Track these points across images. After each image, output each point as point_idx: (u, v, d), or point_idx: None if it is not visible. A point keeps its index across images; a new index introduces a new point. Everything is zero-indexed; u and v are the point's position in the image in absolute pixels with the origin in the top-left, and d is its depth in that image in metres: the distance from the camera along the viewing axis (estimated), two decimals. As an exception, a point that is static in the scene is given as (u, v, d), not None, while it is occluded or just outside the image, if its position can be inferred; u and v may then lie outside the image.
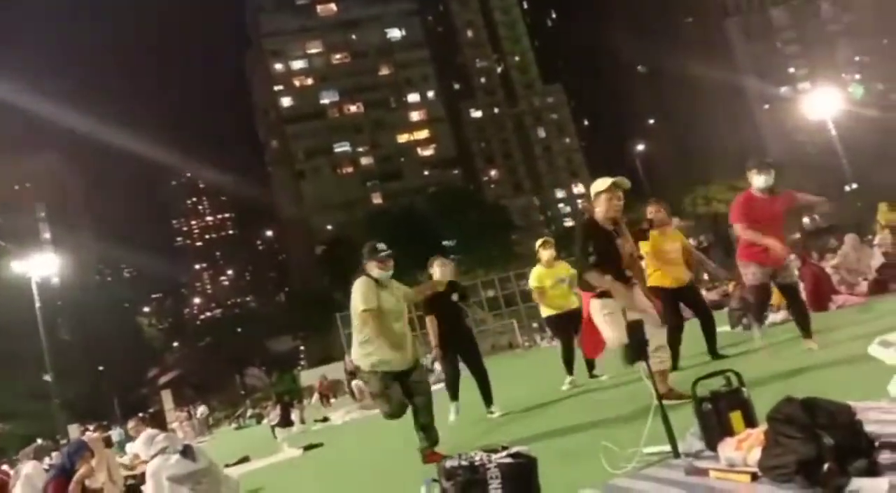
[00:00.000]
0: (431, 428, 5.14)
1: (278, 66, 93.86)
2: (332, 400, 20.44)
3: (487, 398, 7.11)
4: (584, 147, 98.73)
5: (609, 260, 4.73)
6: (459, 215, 51.91)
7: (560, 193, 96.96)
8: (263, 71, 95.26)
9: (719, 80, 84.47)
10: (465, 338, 7.23)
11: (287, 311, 70.66)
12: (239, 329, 68.13)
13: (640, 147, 64.99)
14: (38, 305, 25.57)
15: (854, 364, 4.59)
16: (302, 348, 69.68)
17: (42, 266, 27.90)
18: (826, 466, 2.46)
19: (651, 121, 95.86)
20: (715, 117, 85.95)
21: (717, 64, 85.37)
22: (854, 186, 48.02)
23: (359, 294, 5.03)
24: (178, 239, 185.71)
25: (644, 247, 6.79)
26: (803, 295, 10.09)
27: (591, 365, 8.14)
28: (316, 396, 22.80)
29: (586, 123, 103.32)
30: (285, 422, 13.60)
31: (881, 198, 14.78)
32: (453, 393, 7.36)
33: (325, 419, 13.78)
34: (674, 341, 6.55)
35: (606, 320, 4.77)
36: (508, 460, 2.37)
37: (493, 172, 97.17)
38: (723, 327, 9.22)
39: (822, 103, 37.54)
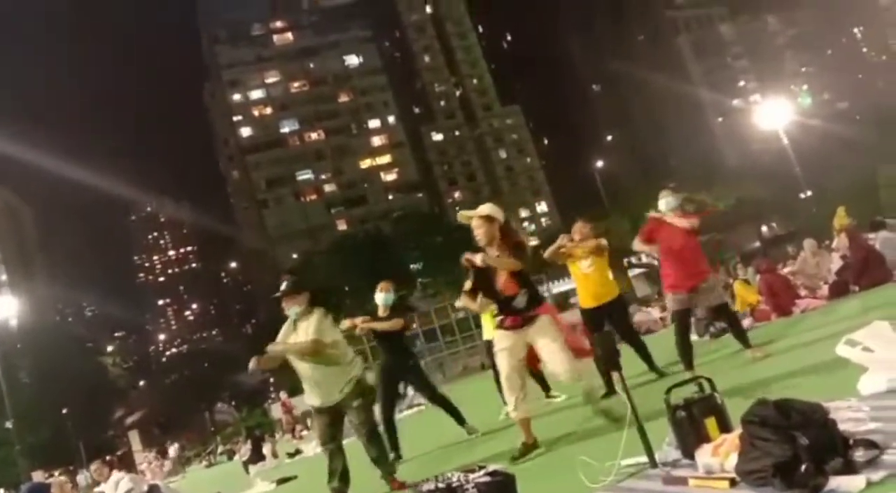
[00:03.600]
0: (382, 461, 5.17)
1: (237, 97, 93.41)
2: (304, 432, 20.07)
3: (459, 420, 6.98)
4: (544, 166, 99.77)
5: (490, 290, 4.72)
6: (425, 238, 51.85)
7: (524, 212, 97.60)
8: (222, 102, 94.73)
9: (673, 95, 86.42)
10: (408, 369, 7.03)
11: (254, 343, 69.55)
12: (206, 364, 66.86)
13: (600, 163, 65.88)
14: (-5, 348, 24.80)
15: (822, 365, 4.65)
16: (272, 380, 68.59)
17: (-1, 309, 27.13)
18: (803, 466, 2.47)
19: (609, 137, 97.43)
20: (672, 131, 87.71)
21: (671, 80, 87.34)
22: (809, 193, 49.22)
23: None
24: (140, 275, 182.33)
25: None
26: (764, 303, 10.29)
27: (545, 385, 7.84)
28: (286, 432, 22.34)
29: (546, 142, 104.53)
30: (257, 457, 13.31)
31: (835, 204, 15.15)
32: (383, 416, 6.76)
33: (298, 452, 13.52)
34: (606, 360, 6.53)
35: (501, 359, 4.79)
36: (486, 478, 2.32)
37: (456, 194, 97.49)
38: (692, 337, 9.30)
39: (773, 114, 38.64)
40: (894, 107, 55.38)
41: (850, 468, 2.45)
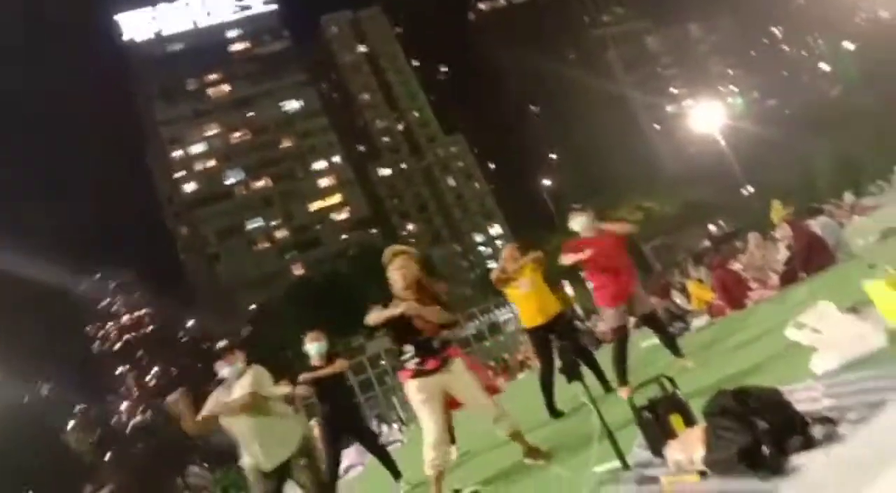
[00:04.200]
0: None
1: (177, 153, 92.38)
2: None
3: (394, 473, 6.70)
4: (493, 190, 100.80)
5: (410, 333, 4.40)
6: (383, 274, 51.62)
7: (479, 237, 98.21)
8: (163, 159, 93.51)
9: (609, 107, 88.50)
10: (350, 417, 6.84)
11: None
12: (172, 428, 64.94)
13: (547, 182, 66.83)
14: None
15: (777, 352, 4.76)
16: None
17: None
18: (765, 449, 2.53)
19: (553, 155, 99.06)
20: (612, 143, 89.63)
21: (605, 93, 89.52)
22: (751, 189, 50.66)
23: None
24: (95, 344, 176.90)
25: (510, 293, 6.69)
26: (718, 299, 10.53)
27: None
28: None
29: (492, 166, 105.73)
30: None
31: (776, 197, 15.63)
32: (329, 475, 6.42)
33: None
34: (546, 380, 6.52)
35: (423, 410, 4.39)
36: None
37: (410, 226, 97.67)
38: (653, 340, 9.39)
39: (707, 117, 39.70)
40: (821, 100, 57.67)
41: (809, 445, 2.52)
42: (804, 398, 3.26)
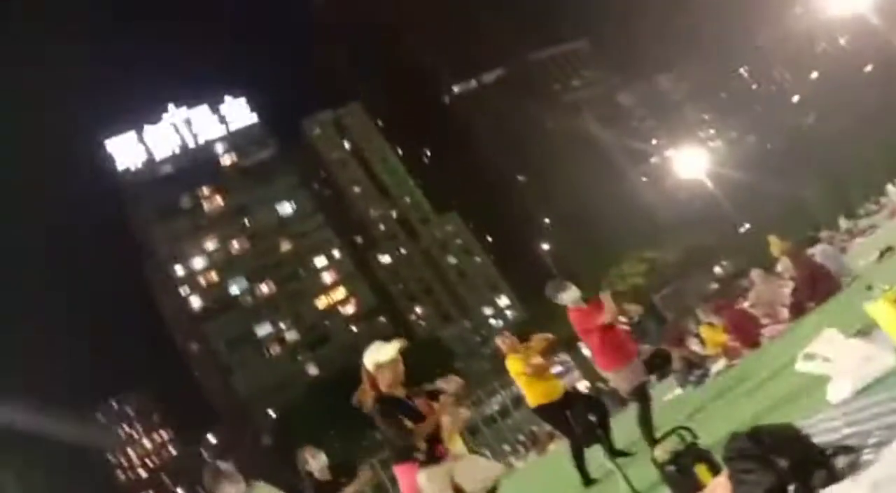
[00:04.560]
0: None
1: (180, 271, 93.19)
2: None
3: None
4: (494, 261, 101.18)
5: (419, 418, 4.23)
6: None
7: (488, 310, 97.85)
8: (165, 279, 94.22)
9: (594, 166, 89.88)
10: None
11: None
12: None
13: (546, 246, 67.18)
14: None
15: (793, 386, 4.75)
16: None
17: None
18: (791, 488, 2.53)
19: (546, 220, 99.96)
20: (603, 201, 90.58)
21: (588, 153, 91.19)
22: (747, 226, 50.93)
23: None
24: (118, 474, 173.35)
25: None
26: (732, 340, 10.49)
27: None
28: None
29: (490, 238, 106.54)
30: None
31: (773, 229, 15.76)
32: None
33: None
34: (577, 451, 6.63)
35: None
36: None
37: (418, 310, 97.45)
38: (675, 391, 9.30)
39: (691, 163, 40.41)
40: (796, 130, 58.71)
41: (833, 478, 2.51)
42: (824, 430, 3.24)
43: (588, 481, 6.56)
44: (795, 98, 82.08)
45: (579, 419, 5.52)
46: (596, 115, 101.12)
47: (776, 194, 46.88)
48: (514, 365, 6.91)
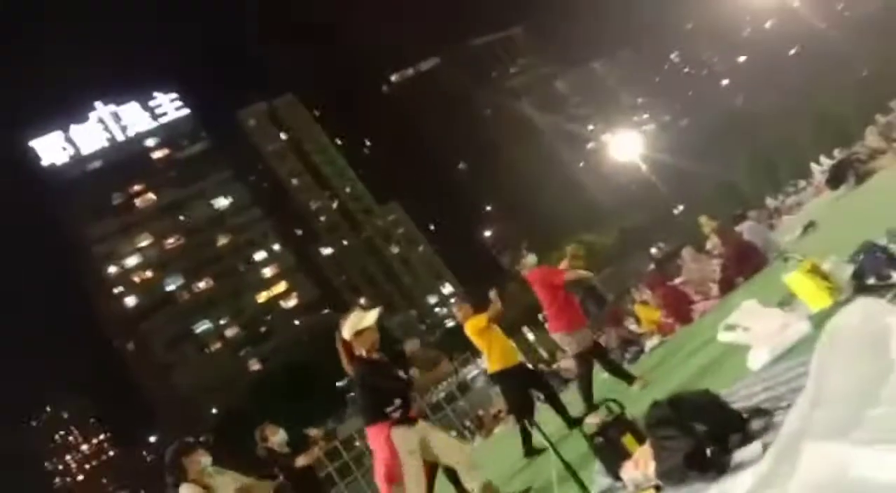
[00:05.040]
0: None
1: (112, 269, 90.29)
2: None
3: None
4: (438, 250, 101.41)
5: (398, 390, 4.51)
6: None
7: (433, 299, 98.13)
8: (98, 278, 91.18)
9: (532, 152, 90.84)
10: None
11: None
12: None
13: (487, 233, 67.66)
14: None
15: (719, 357, 4.90)
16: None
17: None
18: (708, 451, 2.59)
19: (488, 208, 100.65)
20: (542, 186, 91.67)
21: (526, 140, 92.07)
22: (681, 207, 52.30)
23: None
24: (57, 480, 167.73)
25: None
26: (665, 317, 10.77)
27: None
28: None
29: (432, 227, 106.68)
30: None
31: (706, 209, 16.26)
32: None
33: None
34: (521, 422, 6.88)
35: (409, 462, 4.40)
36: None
37: (362, 301, 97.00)
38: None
39: (625, 147, 41.11)
40: (727, 111, 60.48)
41: (748, 439, 2.59)
42: (744, 396, 3.36)
43: (529, 451, 6.78)
44: (725, 81, 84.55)
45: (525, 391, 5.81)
46: (533, 101, 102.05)
47: (708, 175, 48.28)
48: (474, 325, 6.93)
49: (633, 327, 12.66)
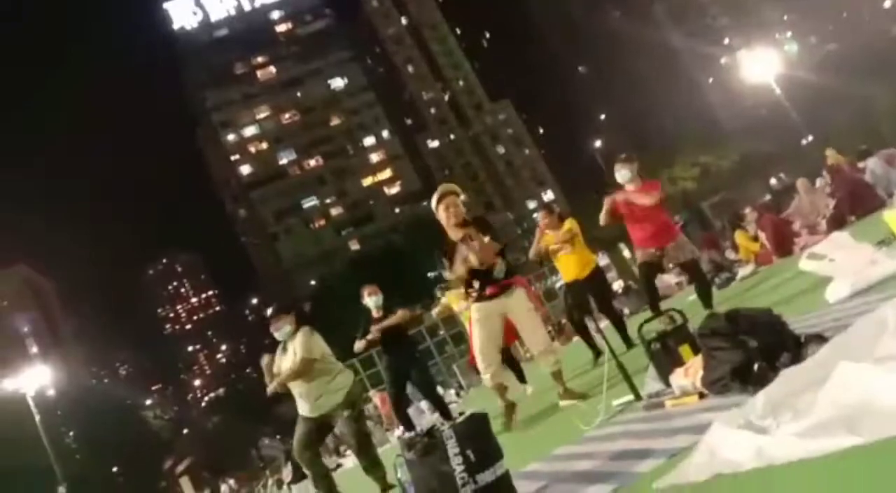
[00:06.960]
0: (372, 469, 5.26)
1: (231, 137, 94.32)
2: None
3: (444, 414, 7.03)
4: (544, 155, 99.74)
5: (473, 269, 4.69)
6: (437, 245, 51.98)
7: (532, 204, 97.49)
8: (217, 144, 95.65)
9: (659, 63, 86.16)
10: (414, 361, 7.15)
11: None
12: (244, 403, 67.37)
13: (598, 143, 65.85)
14: (37, 418, 25.24)
15: (804, 289, 4.79)
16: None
17: (35, 380, 27.54)
18: (756, 366, 2.64)
19: (602, 116, 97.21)
20: (664, 100, 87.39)
21: (654, 49, 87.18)
22: (810, 138, 48.83)
23: None
24: (167, 326, 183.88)
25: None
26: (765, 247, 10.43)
27: (521, 376, 7.83)
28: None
29: (541, 131, 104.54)
30: (299, 476, 13.52)
31: (837, 144, 15.24)
32: (400, 420, 7.50)
33: (338, 466, 13.70)
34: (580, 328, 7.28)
35: (477, 328, 4.77)
36: (462, 420, 2.53)
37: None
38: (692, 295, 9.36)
39: (761, 66, 38.35)
40: (883, 40, 54.96)
41: (798, 360, 2.61)
42: (811, 324, 3.34)
43: (598, 353, 7.03)
44: (888, 3, 76.20)
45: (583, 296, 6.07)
46: (667, 8, 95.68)
47: (848, 108, 44.67)
48: (547, 240, 7.09)
49: (730, 253, 12.35)
